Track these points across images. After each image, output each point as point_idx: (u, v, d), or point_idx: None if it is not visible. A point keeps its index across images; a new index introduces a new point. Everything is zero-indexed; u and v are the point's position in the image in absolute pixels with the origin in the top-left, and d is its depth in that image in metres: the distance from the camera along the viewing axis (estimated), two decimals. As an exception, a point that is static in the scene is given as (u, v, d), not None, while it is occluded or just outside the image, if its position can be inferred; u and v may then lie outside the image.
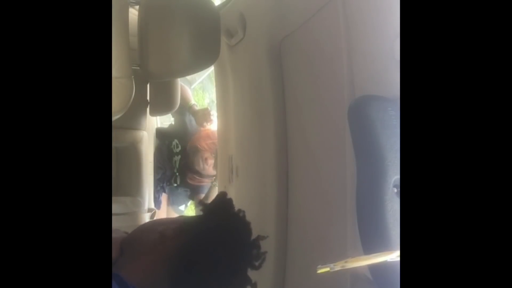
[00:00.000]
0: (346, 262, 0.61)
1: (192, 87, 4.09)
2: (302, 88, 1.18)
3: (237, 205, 0.81)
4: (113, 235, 0.76)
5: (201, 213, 0.81)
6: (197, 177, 2.28)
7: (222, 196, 0.82)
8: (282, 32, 1.22)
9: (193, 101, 2.33)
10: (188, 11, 1.22)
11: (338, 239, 0.95)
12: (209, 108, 2.36)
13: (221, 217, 0.78)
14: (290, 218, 1.21)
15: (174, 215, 2.36)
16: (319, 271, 0.60)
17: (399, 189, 0.71)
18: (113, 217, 0.67)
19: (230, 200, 0.81)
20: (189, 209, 2.60)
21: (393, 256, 0.60)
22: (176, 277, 0.72)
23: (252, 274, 0.77)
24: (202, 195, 2.30)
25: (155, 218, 1.88)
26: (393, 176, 0.72)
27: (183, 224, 0.77)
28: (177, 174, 2.30)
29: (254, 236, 0.78)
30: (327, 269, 0.60)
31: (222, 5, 1.54)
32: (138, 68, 1.22)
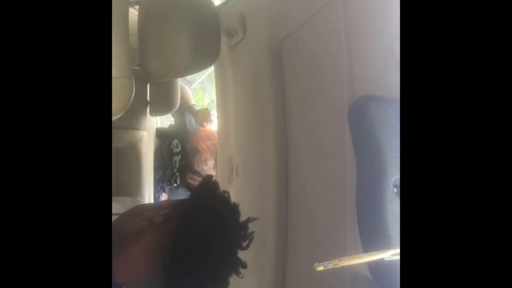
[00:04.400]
0: (340, 260, 0.61)
1: (192, 87, 4.09)
2: (302, 88, 1.18)
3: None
4: None
5: (190, 197, 0.81)
6: (197, 177, 2.27)
7: (208, 179, 0.82)
8: (282, 32, 1.22)
9: (193, 101, 2.33)
10: (188, 11, 1.22)
11: (338, 239, 0.94)
12: (209, 108, 2.36)
13: (207, 199, 0.78)
14: (290, 218, 1.21)
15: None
16: (317, 269, 0.60)
17: (399, 189, 0.71)
18: (113, 217, 0.67)
19: (216, 183, 0.81)
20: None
21: (388, 254, 0.60)
22: (168, 265, 0.72)
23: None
24: (202, 195, 2.30)
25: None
26: (393, 176, 0.72)
27: (172, 210, 0.77)
28: (177, 174, 2.30)
29: (242, 217, 0.78)
30: (321, 267, 0.60)
31: (222, 5, 1.54)
32: (138, 68, 1.22)
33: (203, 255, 0.72)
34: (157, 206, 0.80)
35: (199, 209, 0.76)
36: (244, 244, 0.77)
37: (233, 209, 0.78)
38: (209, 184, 0.81)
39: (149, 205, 0.86)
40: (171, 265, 0.71)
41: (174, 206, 0.78)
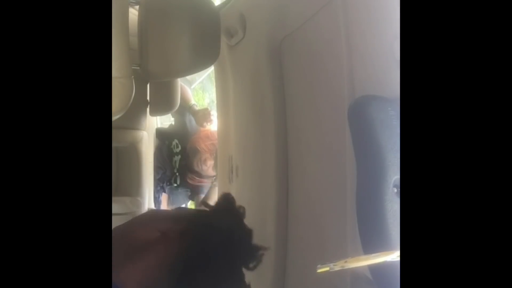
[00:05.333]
0: (346, 262, 0.61)
1: (192, 87, 4.09)
2: (302, 88, 1.18)
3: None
4: None
5: (207, 213, 0.80)
6: (197, 178, 2.28)
7: (226, 196, 0.81)
8: (282, 32, 1.22)
9: (193, 101, 2.33)
10: (188, 11, 1.22)
11: (338, 239, 0.94)
12: (209, 108, 2.36)
13: (226, 219, 0.77)
14: (290, 218, 1.21)
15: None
16: (319, 270, 0.60)
17: (399, 189, 0.71)
18: (113, 217, 0.67)
19: (234, 200, 0.80)
20: (189, 209, 2.61)
21: (393, 256, 0.60)
22: (176, 279, 0.71)
23: (252, 274, 0.77)
24: (202, 195, 2.30)
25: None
26: (393, 176, 0.72)
27: (187, 226, 0.76)
28: (177, 174, 2.30)
29: (254, 240, 0.78)
30: (327, 268, 0.60)
31: (222, 5, 1.54)
32: (138, 68, 1.22)
33: (211, 275, 0.72)
34: (172, 217, 0.79)
35: (216, 228, 0.76)
36: (251, 265, 0.77)
37: (249, 233, 0.78)
38: (229, 202, 0.80)
39: (163, 214, 0.84)
40: (178, 282, 0.71)
41: (190, 223, 0.77)
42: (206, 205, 0.81)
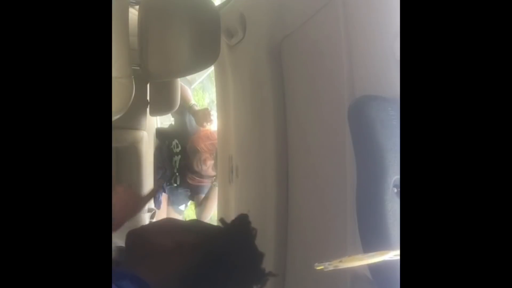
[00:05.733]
0: (340, 261, 0.61)
1: (192, 87, 4.09)
2: (302, 88, 1.18)
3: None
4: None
5: (221, 231, 0.81)
6: (197, 178, 2.28)
7: (243, 217, 0.82)
8: (282, 32, 1.22)
9: (193, 101, 2.33)
10: (188, 11, 1.21)
11: (338, 239, 0.94)
12: (209, 108, 2.36)
13: (239, 240, 0.78)
14: (290, 218, 1.21)
15: (174, 215, 2.36)
16: (317, 268, 0.61)
17: (399, 189, 0.71)
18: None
19: (249, 221, 0.81)
20: (189, 209, 2.61)
21: (390, 255, 0.60)
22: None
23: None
24: (202, 195, 2.30)
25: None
26: (393, 176, 0.72)
27: (201, 242, 0.76)
28: (177, 174, 2.30)
29: (264, 264, 0.78)
30: (322, 267, 0.60)
31: (222, 5, 1.54)
32: (138, 68, 1.22)
33: None
34: (187, 230, 0.79)
35: (228, 250, 0.76)
36: (255, 287, 0.77)
37: (260, 257, 0.78)
38: (245, 224, 0.81)
39: (180, 225, 0.85)
40: None
41: (204, 239, 0.77)
42: (223, 222, 0.82)
